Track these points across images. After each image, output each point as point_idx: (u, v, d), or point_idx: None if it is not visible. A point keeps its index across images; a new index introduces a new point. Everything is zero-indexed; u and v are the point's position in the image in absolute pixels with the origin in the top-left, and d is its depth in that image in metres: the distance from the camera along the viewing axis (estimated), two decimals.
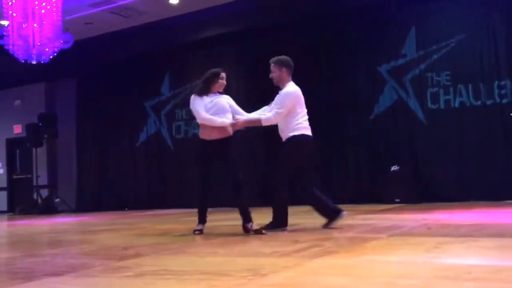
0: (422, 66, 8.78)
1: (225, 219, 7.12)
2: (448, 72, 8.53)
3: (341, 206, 8.26)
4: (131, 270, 3.12)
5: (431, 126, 8.64)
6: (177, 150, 11.33)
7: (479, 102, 8.24)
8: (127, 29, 10.88)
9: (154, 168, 11.51)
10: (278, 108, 5.09)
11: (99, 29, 10.89)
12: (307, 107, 9.86)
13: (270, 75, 5.16)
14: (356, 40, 9.34)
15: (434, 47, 8.66)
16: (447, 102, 8.56)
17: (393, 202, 8.48)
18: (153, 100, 11.70)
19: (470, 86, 8.31)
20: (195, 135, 11.08)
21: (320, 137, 9.71)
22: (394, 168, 8.71)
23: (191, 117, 11.17)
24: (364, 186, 9.16)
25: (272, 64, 5.19)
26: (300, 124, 5.11)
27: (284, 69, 5.17)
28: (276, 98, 5.16)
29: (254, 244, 4.18)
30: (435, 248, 3.48)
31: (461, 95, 8.42)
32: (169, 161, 11.34)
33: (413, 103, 8.86)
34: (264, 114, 5.23)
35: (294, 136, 5.13)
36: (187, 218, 7.81)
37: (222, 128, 4.97)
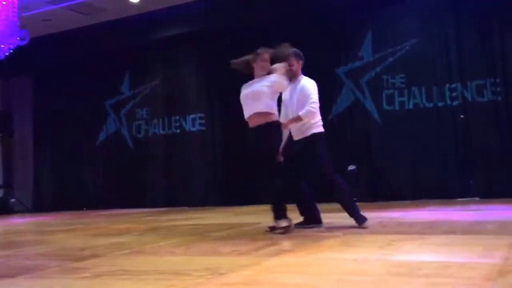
0: (378, 69, 8.99)
1: (185, 218, 7.11)
2: (402, 75, 8.76)
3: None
4: (88, 271, 3.10)
5: (386, 127, 8.85)
6: (137, 149, 11.22)
7: (431, 104, 8.50)
8: (87, 27, 10.68)
9: (113, 168, 11.36)
10: (313, 100, 4.89)
11: (57, 27, 10.65)
12: None
13: (290, 67, 4.94)
14: (315, 42, 9.44)
15: (390, 50, 8.88)
16: (401, 103, 8.79)
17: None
18: (113, 99, 11.55)
19: (423, 88, 8.56)
20: (156, 135, 11.02)
21: None
22: (350, 167, 8.87)
23: (151, 117, 11.11)
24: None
25: (292, 58, 4.99)
26: (320, 121, 5.04)
27: (300, 62, 5.10)
28: (300, 93, 4.98)
29: (213, 243, 4.21)
30: (389, 245, 3.59)
31: (414, 97, 8.67)
32: (129, 160, 11.22)
33: (369, 104, 9.06)
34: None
35: (319, 134, 5.04)
36: (147, 217, 7.76)
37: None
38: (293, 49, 5.03)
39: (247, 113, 4.74)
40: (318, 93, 9.75)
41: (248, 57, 4.87)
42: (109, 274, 2.99)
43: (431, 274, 2.59)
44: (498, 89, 8.00)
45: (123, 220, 7.55)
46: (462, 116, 8.16)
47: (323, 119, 9.29)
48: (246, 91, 4.79)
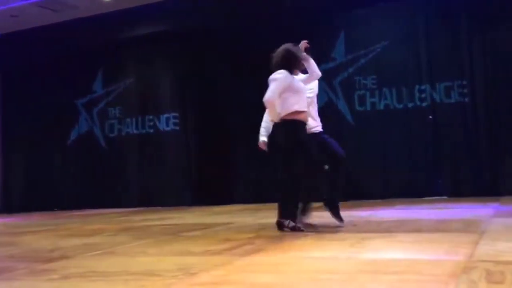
0: (351, 70, 9.10)
1: (158, 218, 7.08)
2: (374, 76, 8.88)
3: (273, 205, 8.49)
4: (57, 272, 3.07)
5: (359, 127, 8.97)
6: (110, 149, 11.11)
7: (401, 105, 8.65)
8: (58, 23, 10.50)
9: (85, 167, 11.22)
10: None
11: (26, 23, 10.45)
12: (240, 108, 10.03)
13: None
14: (288, 42, 9.51)
15: (362, 52, 9.00)
16: (373, 104, 8.92)
17: (322, 200, 8.71)
18: (85, 97, 11.40)
19: (394, 89, 8.71)
20: (129, 134, 10.94)
21: (253, 137, 9.88)
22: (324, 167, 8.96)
23: (125, 116, 11.02)
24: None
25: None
26: None
27: None
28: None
29: (186, 243, 4.21)
30: (358, 243, 3.66)
31: (385, 98, 8.81)
32: (101, 160, 11.10)
33: (342, 105, 9.17)
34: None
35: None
36: (120, 218, 7.71)
37: None
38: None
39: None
40: None
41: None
42: (78, 276, 2.97)
43: (399, 271, 2.66)
44: (465, 90, 8.19)
45: (95, 220, 7.48)
46: (430, 117, 8.32)
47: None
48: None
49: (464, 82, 8.19)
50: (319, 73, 4.93)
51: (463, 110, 8.22)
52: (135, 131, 10.89)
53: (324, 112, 9.22)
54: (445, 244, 3.44)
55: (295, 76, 4.81)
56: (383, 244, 3.65)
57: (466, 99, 8.18)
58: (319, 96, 9.28)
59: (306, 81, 4.88)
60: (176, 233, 5.02)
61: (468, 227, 4.19)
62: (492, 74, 8.12)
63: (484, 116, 8.13)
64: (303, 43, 4.93)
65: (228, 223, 5.77)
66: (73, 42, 10.73)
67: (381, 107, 8.82)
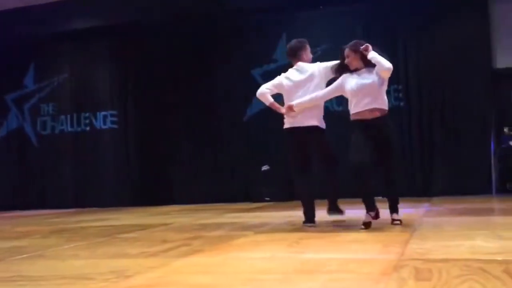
0: None
1: (94, 219, 6.88)
2: None
3: (213, 205, 8.48)
4: None
5: None
6: (42, 147, 10.69)
7: (340, 108, 8.74)
8: None
9: (15, 167, 10.73)
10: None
11: None
12: (180, 107, 9.92)
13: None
14: (231, 42, 9.53)
15: None
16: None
17: (263, 200, 8.80)
18: (15, 92, 10.91)
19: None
20: (63, 132, 10.57)
21: (194, 137, 9.84)
22: (265, 167, 9.03)
23: (58, 113, 10.64)
24: (237, 185, 9.39)
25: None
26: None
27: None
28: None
29: (121, 245, 4.12)
30: (296, 243, 3.71)
31: (330, 101, 8.95)
32: (32, 159, 10.66)
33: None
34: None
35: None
36: (52, 219, 7.43)
37: None
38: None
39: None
40: (234, 94, 9.84)
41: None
42: (4, 280, 2.83)
43: (333, 271, 2.71)
44: (401, 95, 8.48)
45: (26, 222, 7.18)
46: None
47: (238, 120, 9.47)
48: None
49: (400, 87, 8.47)
50: None
51: (398, 114, 8.50)
52: (69, 129, 10.55)
53: (265, 112, 9.31)
54: (378, 243, 3.53)
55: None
56: (320, 244, 3.72)
57: (402, 103, 8.46)
58: None
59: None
60: (112, 234, 4.90)
61: (400, 227, 4.33)
62: (425, 80, 8.45)
63: (417, 120, 8.45)
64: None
65: (166, 224, 5.69)
66: (3, 34, 10.24)
67: None
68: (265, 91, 4.95)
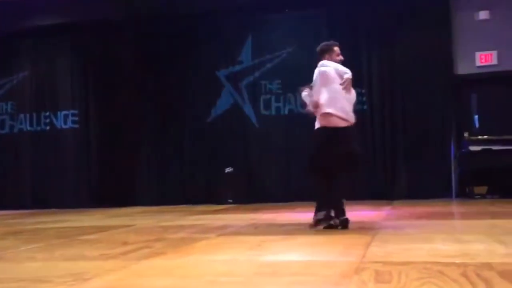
0: (257, 74, 9.23)
1: (53, 221, 6.72)
2: (279, 81, 9.08)
3: (176, 207, 8.41)
4: None
5: (263, 131, 9.12)
6: (0, 146, 10.38)
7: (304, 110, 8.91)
8: None
9: None
10: None
11: None
12: (143, 107, 9.80)
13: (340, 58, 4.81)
14: (197, 43, 9.47)
15: (268, 56, 9.16)
16: (277, 108, 9.12)
17: (226, 202, 8.77)
18: None
19: (297, 95, 8.92)
20: (22, 131, 10.29)
21: (157, 138, 9.73)
22: (228, 169, 9.01)
23: (18, 111, 10.35)
24: (200, 187, 9.33)
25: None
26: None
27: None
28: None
29: (80, 247, 4.03)
30: (258, 246, 3.70)
31: (290, 103, 9.04)
32: None
33: (247, 108, 9.27)
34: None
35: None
36: (9, 220, 7.23)
37: None
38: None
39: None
40: (199, 95, 9.79)
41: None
42: None
43: (294, 273, 2.72)
44: (364, 98, 8.60)
45: None
46: None
47: (202, 121, 9.42)
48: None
49: (363, 91, 8.59)
50: None
51: (361, 117, 8.61)
52: (29, 128, 10.28)
53: (230, 114, 9.36)
54: (340, 246, 3.57)
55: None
56: (282, 246, 3.72)
57: (365, 107, 8.58)
58: (225, 98, 9.42)
59: None
60: (71, 236, 4.79)
61: (362, 229, 4.38)
62: (388, 85, 8.61)
63: (379, 124, 8.59)
64: None
65: (127, 226, 5.60)
66: None
67: (286, 111, 9.03)
68: None
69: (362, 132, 8.60)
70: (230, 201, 8.83)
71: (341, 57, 4.83)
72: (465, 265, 2.66)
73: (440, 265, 2.67)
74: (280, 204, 8.09)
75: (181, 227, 5.22)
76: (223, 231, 4.75)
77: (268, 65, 9.15)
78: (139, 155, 9.68)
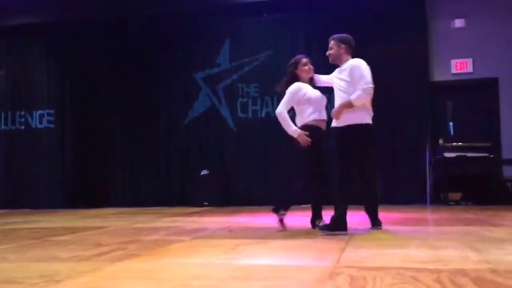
0: (235, 77, 9.23)
1: (25, 221, 6.59)
2: (256, 84, 9.09)
3: (150, 209, 8.34)
4: None
5: (240, 134, 9.11)
6: None
7: None
8: None
9: None
10: (365, 83, 4.51)
11: None
12: (119, 108, 9.71)
13: (328, 52, 4.74)
14: (174, 45, 9.43)
15: (246, 59, 9.17)
16: (254, 112, 9.12)
17: (202, 205, 8.73)
18: None
19: (275, 98, 8.94)
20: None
21: (132, 139, 9.64)
22: (204, 172, 8.97)
23: None
24: (175, 189, 9.28)
25: (331, 41, 4.80)
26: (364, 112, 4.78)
27: (342, 45, 4.77)
28: (349, 73, 4.56)
29: (52, 248, 3.95)
30: (233, 249, 3.68)
31: (267, 106, 9.05)
32: None
33: (224, 111, 9.26)
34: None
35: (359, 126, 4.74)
36: None
37: None
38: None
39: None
40: (175, 97, 9.71)
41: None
42: None
43: (268, 277, 2.71)
44: None
45: None
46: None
47: (178, 123, 9.36)
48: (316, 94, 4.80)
49: None
50: None
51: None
52: (3, 127, 10.12)
53: (206, 117, 9.33)
54: (315, 250, 3.57)
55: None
56: (257, 250, 3.71)
57: None
58: (203, 100, 9.38)
59: None
60: (43, 237, 4.70)
61: (336, 235, 4.38)
62: None
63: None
64: None
65: (100, 227, 5.53)
66: None
67: (263, 115, 9.04)
68: None
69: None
70: (206, 203, 8.79)
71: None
72: (438, 271, 2.69)
73: (414, 271, 2.69)
74: (256, 207, 8.08)
75: (155, 229, 5.17)
76: (198, 234, 4.72)
77: (246, 68, 9.16)
78: (114, 156, 9.60)
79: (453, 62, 8.53)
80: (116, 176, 9.56)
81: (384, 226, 4.74)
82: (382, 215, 6.33)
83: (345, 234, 4.27)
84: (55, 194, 9.64)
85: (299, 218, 5.59)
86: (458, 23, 8.54)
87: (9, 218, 7.35)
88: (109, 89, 9.63)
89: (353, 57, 4.72)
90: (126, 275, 2.89)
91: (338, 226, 4.34)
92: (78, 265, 3.16)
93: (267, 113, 9.02)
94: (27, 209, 9.22)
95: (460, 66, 8.50)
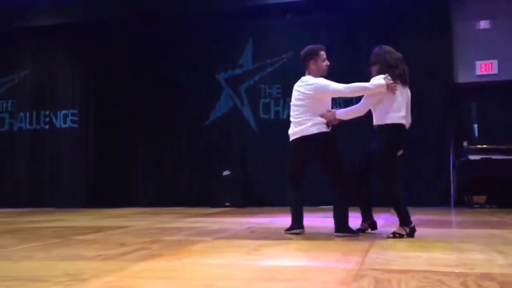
0: (257, 78, 9.24)
1: (49, 220, 6.69)
2: (279, 85, 9.08)
3: (172, 209, 8.39)
4: None
5: (262, 135, 9.11)
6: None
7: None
8: None
9: None
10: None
11: None
12: (142, 108, 9.78)
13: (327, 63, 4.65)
14: (197, 46, 9.47)
15: (269, 60, 9.17)
16: (277, 113, 9.12)
17: (223, 205, 8.76)
18: None
19: None
20: (21, 129, 10.27)
21: (155, 139, 9.71)
22: (225, 173, 9.00)
23: (18, 110, 10.33)
24: (196, 189, 9.32)
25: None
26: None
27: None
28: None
29: (77, 247, 4.00)
30: (255, 250, 3.68)
31: (289, 107, 8.99)
32: None
33: (246, 112, 9.27)
34: None
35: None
36: (4, 218, 7.19)
37: None
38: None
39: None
40: (198, 97, 9.73)
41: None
42: None
43: (291, 279, 2.69)
44: None
45: None
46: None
47: (201, 124, 9.40)
48: None
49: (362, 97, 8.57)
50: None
51: (360, 124, 8.59)
52: (28, 127, 10.28)
53: (229, 117, 9.36)
54: (338, 252, 3.55)
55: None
56: (279, 251, 3.70)
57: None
58: (225, 101, 9.40)
59: None
60: (67, 236, 4.76)
61: (359, 235, 4.36)
62: None
63: None
64: None
65: (124, 227, 5.57)
66: None
67: (285, 116, 9.02)
68: None
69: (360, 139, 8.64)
70: (227, 204, 8.81)
71: (327, 62, 4.66)
72: (465, 274, 2.65)
73: (440, 274, 2.65)
74: (277, 208, 8.07)
75: (178, 229, 5.19)
76: (220, 234, 4.73)
77: (268, 69, 9.16)
78: (137, 156, 9.68)
79: (478, 63, 8.40)
80: (138, 176, 9.65)
81: None
82: None
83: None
84: (78, 193, 9.77)
85: (321, 219, 5.56)
86: (483, 24, 8.41)
87: (34, 216, 7.47)
88: (132, 90, 9.71)
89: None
90: (150, 274, 2.91)
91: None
92: (103, 264, 3.18)
93: (289, 114, 8.96)
94: (50, 208, 9.35)
95: (485, 68, 8.37)
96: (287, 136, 8.78)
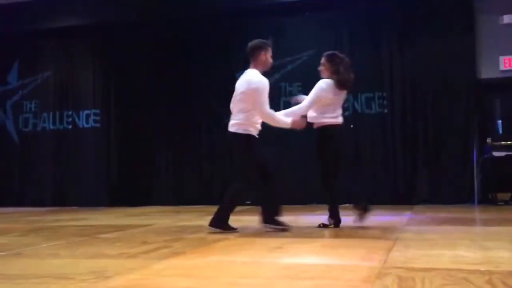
0: (277, 76, 9.19)
1: (73, 219, 6.78)
2: (299, 83, 9.03)
3: (193, 207, 8.42)
4: None
5: (283, 133, 9.03)
6: (23, 144, 10.50)
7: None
8: None
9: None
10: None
11: None
12: (162, 108, 9.81)
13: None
14: (216, 45, 9.48)
15: (289, 58, 9.13)
16: None
17: (244, 204, 8.74)
18: None
19: None
20: (45, 130, 10.41)
21: (176, 138, 9.76)
22: None
23: (41, 110, 10.49)
24: (217, 187, 9.26)
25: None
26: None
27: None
28: None
29: (100, 245, 4.05)
30: (278, 248, 3.68)
31: None
32: (13, 156, 10.46)
33: None
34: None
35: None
36: (30, 217, 7.31)
37: None
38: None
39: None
40: (215, 98, 9.74)
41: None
42: None
43: (315, 277, 2.69)
44: (385, 102, 8.53)
45: (3, 220, 7.04)
46: (352, 126, 8.54)
47: (221, 122, 9.39)
48: None
49: (384, 94, 8.51)
50: None
51: (382, 121, 8.55)
52: (51, 127, 10.42)
53: None
54: (361, 250, 3.53)
55: None
56: (303, 249, 3.70)
57: (386, 110, 8.50)
58: None
59: None
60: (91, 234, 4.82)
61: (383, 234, 4.33)
62: (409, 88, 8.50)
63: (400, 127, 8.48)
64: None
65: (145, 225, 5.62)
66: None
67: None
68: None
69: (382, 136, 8.57)
70: (248, 202, 8.80)
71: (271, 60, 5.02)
72: (490, 272, 2.61)
73: (464, 272, 2.62)
74: (299, 206, 8.05)
75: (200, 227, 5.21)
76: (242, 232, 4.74)
77: (289, 67, 9.13)
78: (158, 155, 9.74)
79: (502, 58, 8.24)
80: (159, 175, 9.70)
81: (431, 226, 4.65)
82: (429, 215, 6.23)
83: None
84: (100, 192, 9.86)
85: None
86: (507, 18, 8.25)
87: (57, 215, 7.58)
88: (153, 90, 9.77)
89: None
90: (173, 272, 2.93)
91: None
92: (126, 262, 3.22)
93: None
94: (74, 207, 9.47)
95: (509, 63, 8.21)
96: (307, 132, 8.75)
